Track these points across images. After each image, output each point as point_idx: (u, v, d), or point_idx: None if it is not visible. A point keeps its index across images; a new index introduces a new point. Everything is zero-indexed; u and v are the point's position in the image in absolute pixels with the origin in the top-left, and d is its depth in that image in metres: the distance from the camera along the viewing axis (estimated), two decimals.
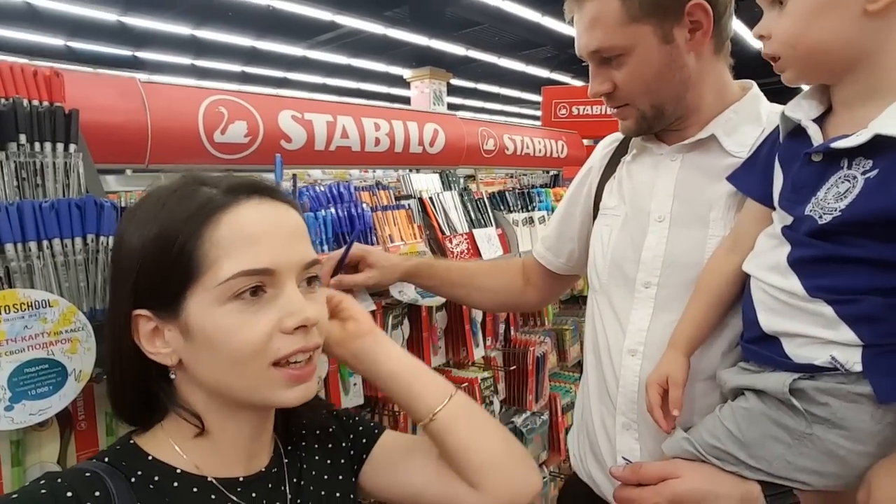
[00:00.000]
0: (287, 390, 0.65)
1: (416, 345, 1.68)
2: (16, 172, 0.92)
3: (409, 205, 1.71)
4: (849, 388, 0.74)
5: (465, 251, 1.82)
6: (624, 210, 1.07)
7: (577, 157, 2.88)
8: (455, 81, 13.24)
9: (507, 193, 2.09)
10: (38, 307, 0.81)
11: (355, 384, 1.45)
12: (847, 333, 0.73)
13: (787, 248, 0.79)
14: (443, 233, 1.79)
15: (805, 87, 0.85)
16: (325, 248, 1.37)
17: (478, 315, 1.84)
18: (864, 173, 0.70)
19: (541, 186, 2.54)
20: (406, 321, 1.62)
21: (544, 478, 2.10)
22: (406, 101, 13.62)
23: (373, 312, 1.47)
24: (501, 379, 2.00)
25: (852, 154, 0.72)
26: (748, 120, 0.98)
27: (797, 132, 0.81)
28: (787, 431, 0.77)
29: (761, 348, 0.82)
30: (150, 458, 0.66)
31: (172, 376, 0.67)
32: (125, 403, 0.70)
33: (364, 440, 0.84)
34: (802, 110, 0.80)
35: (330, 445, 0.82)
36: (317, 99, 1.63)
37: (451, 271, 1.36)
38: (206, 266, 0.61)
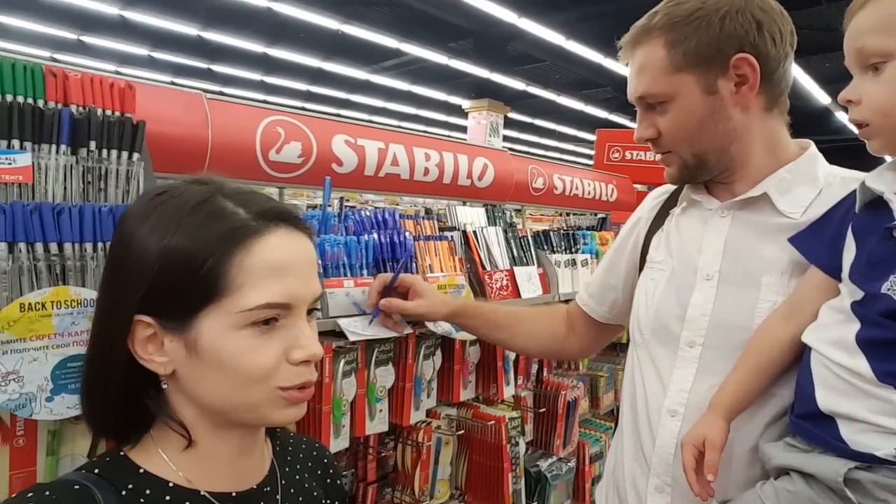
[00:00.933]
0: (284, 410, 0.66)
1: (446, 377, 1.67)
2: (83, 176, 0.97)
3: (452, 236, 1.71)
4: None
5: (505, 288, 1.81)
6: (671, 264, 1.05)
7: (626, 202, 2.84)
8: (512, 115, 13.35)
9: (551, 233, 2.08)
10: (86, 305, 0.85)
11: (381, 410, 1.45)
12: None
13: (857, 325, 0.76)
14: (483, 267, 1.79)
15: (889, 158, 0.82)
16: (365, 272, 1.39)
17: (511, 353, 1.82)
18: None
19: (587, 229, 2.52)
20: (439, 352, 1.61)
21: None
22: (463, 130, 13.81)
23: (405, 340, 1.48)
24: (530, 420, 1.96)
25: None
26: (804, 180, 0.96)
27: (876, 204, 0.79)
28: None
29: (814, 426, 0.79)
30: (141, 470, 0.65)
31: (164, 386, 0.66)
32: (106, 413, 0.67)
33: None
34: (885, 182, 0.78)
35: (318, 479, 0.83)
36: (371, 125, 1.67)
37: (497, 314, 1.36)
38: (230, 290, 0.61)
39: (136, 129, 1.03)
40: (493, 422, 1.70)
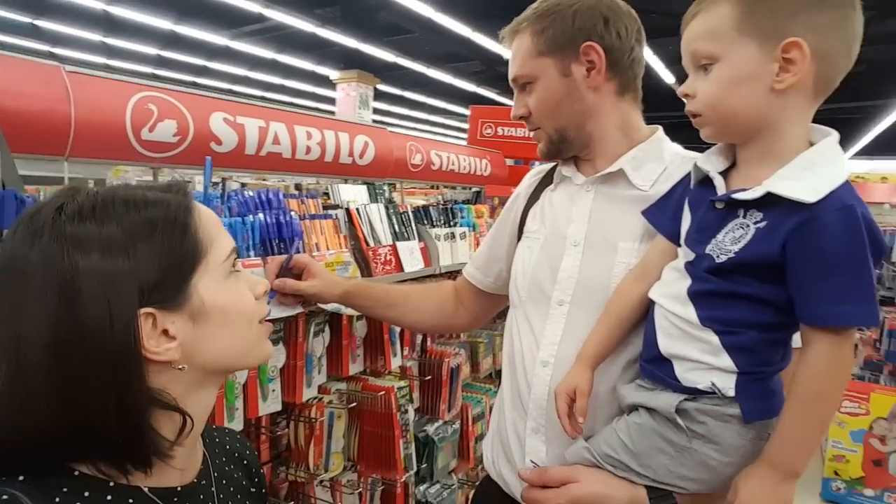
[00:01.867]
0: (267, 343, 0.75)
1: (335, 352, 1.71)
2: None
3: (336, 215, 1.73)
4: (722, 409, 0.87)
5: (388, 263, 1.87)
6: (544, 234, 1.18)
7: (499, 176, 3.00)
8: (382, 87, 13.24)
9: (431, 208, 2.16)
10: None
11: (273, 390, 1.46)
12: (726, 361, 0.86)
13: (689, 281, 0.90)
14: (367, 244, 1.83)
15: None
16: (252, 253, 1.38)
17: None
18: (755, 223, 0.83)
19: (463, 202, 2.63)
20: (327, 329, 1.64)
21: (453, 485, 2.18)
22: (331, 101, 13.45)
23: (295, 320, 1.49)
24: (416, 388, 2.06)
25: (748, 206, 0.84)
26: (652, 158, 1.12)
27: (706, 181, 0.93)
28: (671, 445, 0.89)
29: (656, 368, 0.94)
30: (76, 472, 0.61)
31: (182, 368, 0.64)
32: (109, 433, 0.60)
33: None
34: (711, 163, 0.92)
35: (244, 469, 0.84)
36: (251, 103, 1.63)
37: (388, 293, 1.43)
38: (206, 247, 0.66)
39: None
40: (382, 392, 1.77)
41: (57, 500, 0.58)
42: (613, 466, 0.94)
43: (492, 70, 12.68)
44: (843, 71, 0.85)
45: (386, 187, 2.25)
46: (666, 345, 0.92)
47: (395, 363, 1.87)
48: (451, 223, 2.23)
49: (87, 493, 0.60)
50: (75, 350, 0.58)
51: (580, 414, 0.97)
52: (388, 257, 1.86)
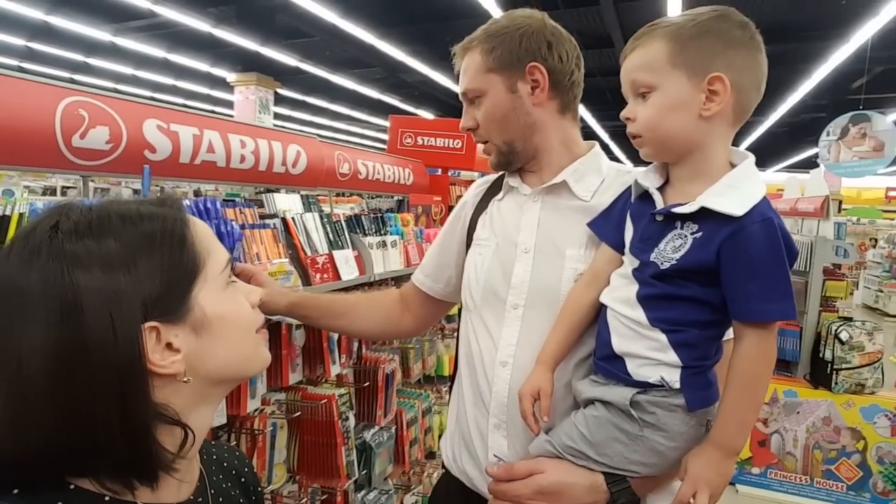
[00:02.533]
0: (264, 348, 0.77)
1: (275, 362, 1.68)
2: None
3: (274, 224, 1.72)
4: (669, 400, 0.98)
5: (326, 272, 1.87)
6: (495, 241, 1.25)
7: (421, 185, 3.07)
8: (283, 91, 12.89)
9: (362, 217, 2.18)
10: None
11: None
12: (672, 356, 0.97)
13: (636, 286, 1.01)
14: (305, 253, 1.82)
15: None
16: None
17: (335, 333, 1.89)
18: (692, 234, 0.95)
19: (388, 211, 2.67)
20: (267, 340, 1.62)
21: (389, 490, 2.20)
22: (229, 105, 12.91)
23: None
24: (352, 395, 2.07)
25: (684, 218, 0.96)
26: (592, 171, 1.22)
27: (645, 196, 1.05)
28: (625, 434, 0.99)
29: (610, 365, 1.03)
30: (71, 486, 0.61)
31: (187, 380, 0.65)
32: (115, 449, 0.60)
33: None
34: (650, 180, 1.04)
35: (241, 487, 0.84)
36: (185, 110, 1.58)
37: (334, 303, 1.44)
38: (203, 258, 0.67)
39: None
40: (324, 400, 1.77)
41: None
42: (574, 456, 1.02)
43: (394, 77, 12.76)
44: (754, 102, 0.99)
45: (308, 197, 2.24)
46: (619, 344, 1.02)
47: (335, 371, 1.87)
48: (382, 231, 2.26)
49: None
50: (79, 368, 0.57)
51: (544, 413, 1.04)
52: (325, 266, 1.86)
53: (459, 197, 3.53)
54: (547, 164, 1.24)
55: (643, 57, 0.99)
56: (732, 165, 0.99)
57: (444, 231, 1.45)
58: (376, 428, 2.13)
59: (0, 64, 12.59)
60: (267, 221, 1.71)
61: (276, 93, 12.11)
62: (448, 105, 14.76)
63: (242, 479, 0.85)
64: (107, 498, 0.62)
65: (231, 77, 11.65)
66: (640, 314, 0.99)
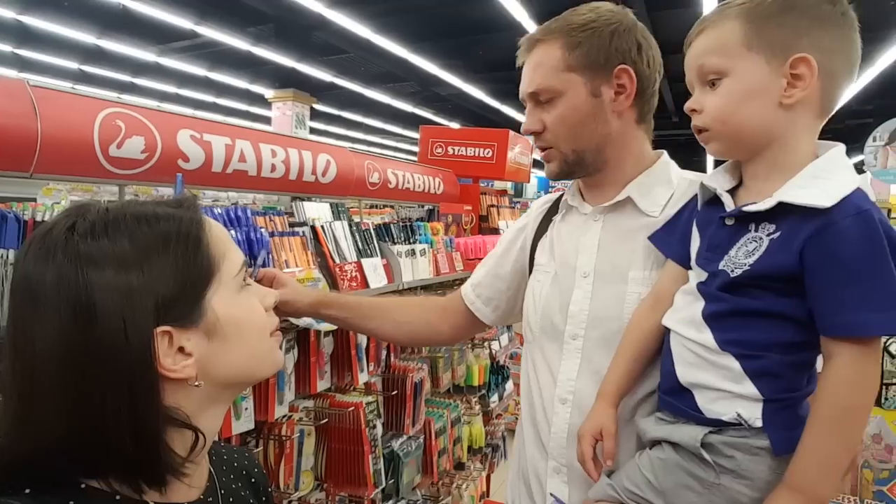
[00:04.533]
0: (278, 351, 0.75)
1: (303, 369, 1.70)
2: None
3: (303, 232, 1.74)
4: (750, 441, 0.82)
5: (354, 279, 1.88)
6: (554, 267, 1.14)
7: (451, 194, 3.07)
8: (319, 106, 13.15)
9: (391, 226, 2.19)
10: None
11: (246, 408, 1.44)
12: (750, 388, 0.82)
13: (702, 303, 0.87)
14: (333, 260, 1.84)
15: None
16: None
17: (363, 340, 1.90)
18: (768, 235, 0.81)
19: (418, 220, 2.68)
20: (295, 346, 1.64)
21: (417, 500, 2.19)
22: (267, 121, 13.23)
23: None
24: (380, 404, 2.07)
25: (759, 219, 0.83)
26: (660, 183, 1.09)
27: (713, 201, 0.92)
28: (698, 481, 0.84)
29: (676, 400, 0.89)
30: (82, 486, 0.60)
31: (199, 384, 0.64)
32: (130, 450, 0.59)
33: None
34: (718, 182, 0.91)
35: (251, 487, 0.82)
36: (216, 121, 1.62)
37: (362, 305, 1.36)
38: (218, 261, 0.66)
39: None
40: (352, 408, 1.77)
41: None
42: (637, 503, 0.89)
43: (428, 90, 12.88)
44: (844, 90, 0.86)
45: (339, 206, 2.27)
46: (684, 373, 0.88)
47: (363, 379, 1.88)
48: (412, 240, 2.26)
49: None
50: (91, 369, 0.57)
51: (608, 457, 0.93)
52: (353, 274, 1.87)
53: (491, 206, 3.55)
54: (612, 179, 1.11)
55: (713, 39, 0.86)
56: None
57: (500, 253, 1.34)
58: (404, 437, 2.12)
59: (56, 87, 13.23)
60: (296, 229, 1.73)
61: (311, 108, 12.36)
62: (481, 117, 14.81)
63: (252, 480, 0.83)
64: (118, 497, 0.61)
65: (269, 93, 11.94)
66: (707, 336, 0.85)
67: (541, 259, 1.20)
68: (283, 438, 1.58)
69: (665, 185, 1.09)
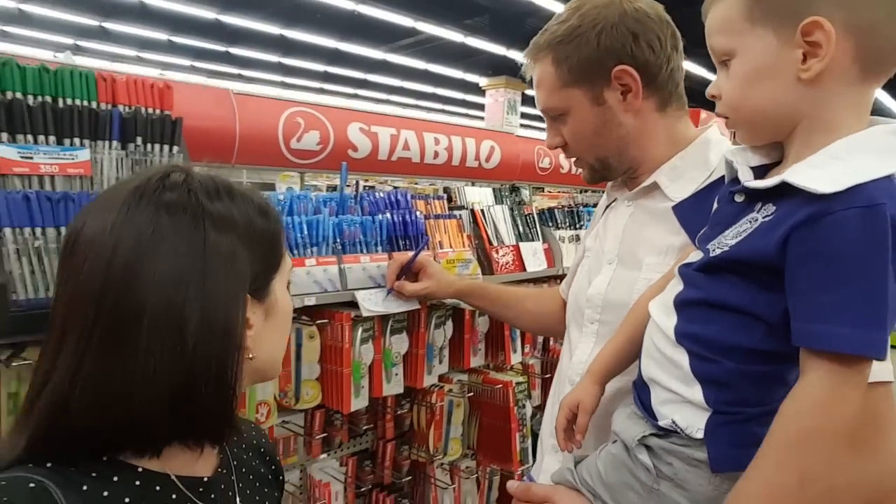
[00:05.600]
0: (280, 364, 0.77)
1: (457, 346, 1.81)
2: (132, 168, 1.12)
3: (460, 215, 1.84)
4: (689, 451, 0.75)
5: (511, 262, 1.93)
6: (594, 251, 1.16)
7: None
8: (530, 91, 13.29)
9: (556, 210, 2.19)
10: None
11: (396, 374, 1.60)
12: (697, 393, 0.74)
13: (681, 286, 0.80)
14: (490, 243, 1.92)
15: None
16: (379, 249, 1.53)
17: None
18: (764, 217, 0.70)
19: (593, 206, 2.62)
20: (450, 322, 1.75)
21: None
22: (479, 107, 13.80)
23: (418, 311, 1.62)
24: (538, 386, 2.10)
25: (766, 199, 0.72)
26: (695, 165, 1.02)
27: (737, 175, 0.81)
28: (639, 483, 0.79)
29: (639, 394, 0.84)
30: (104, 458, 0.59)
31: (251, 356, 0.65)
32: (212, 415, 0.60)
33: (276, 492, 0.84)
34: (742, 156, 0.80)
35: (260, 457, 0.83)
36: (384, 113, 1.80)
37: (501, 295, 1.45)
38: (282, 254, 0.71)
39: (175, 125, 1.18)
40: (500, 386, 1.84)
41: (85, 487, 0.56)
42: (592, 494, 0.85)
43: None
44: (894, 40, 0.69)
45: (529, 190, 2.31)
46: (646, 366, 0.83)
47: (515, 359, 1.93)
48: (577, 226, 2.23)
49: (115, 478, 0.58)
50: (193, 315, 0.58)
51: (579, 431, 0.91)
52: (510, 257, 1.92)
53: None
54: (646, 168, 1.07)
55: (717, 16, 0.77)
56: None
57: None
58: None
59: (306, 87, 15.53)
60: (454, 212, 1.84)
61: (523, 94, 12.55)
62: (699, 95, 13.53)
63: (262, 450, 0.84)
64: (140, 469, 0.60)
65: (483, 81, 12.44)
66: (670, 323, 0.78)
67: (587, 243, 1.22)
68: (433, 406, 1.71)
69: (700, 167, 1.01)
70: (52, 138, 1.03)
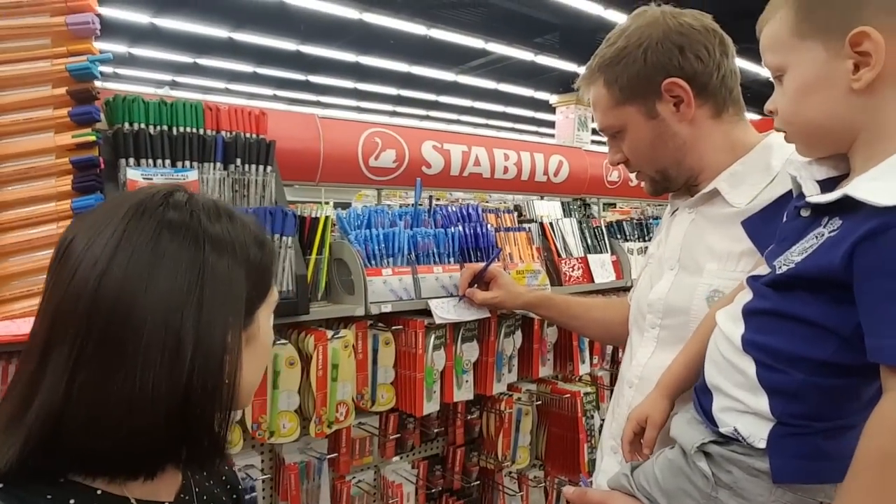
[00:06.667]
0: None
1: (526, 355, 1.85)
2: (232, 186, 1.26)
3: (529, 228, 1.90)
4: (750, 461, 0.74)
5: (579, 274, 1.96)
6: (657, 258, 1.17)
7: None
8: None
9: (624, 223, 2.20)
10: None
11: (467, 381, 1.66)
12: (763, 403, 0.74)
13: (750, 296, 0.81)
14: (559, 255, 1.96)
15: None
16: (451, 260, 1.61)
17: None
18: (830, 232, 0.70)
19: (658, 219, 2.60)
20: (519, 332, 1.80)
21: None
22: (549, 125, 13.78)
23: (488, 320, 1.68)
24: (606, 398, 2.10)
25: (832, 213, 0.71)
26: (756, 170, 1.02)
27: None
28: (697, 490, 0.78)
29: (701, 400, 0.84)
30: (61, 479, 0.57)
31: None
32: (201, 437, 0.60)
33: None
34: (807, 169, 0.80)
35: (221, 484, 0.81)
36: (455, 132, 1.89)
37: (570, 305, 1.50)
38: (269, 285, 0.70)
39: (269, 147, 1.31)
40: (568, 395, 1.86)
41: None
42: (648, 500, 0.85)
43: None
44: None
45: (600, 205, 2.34)
46: (710, 372, 0.82)
47: (583, 370, 1.95)
48: (646, 238, 2.23)
49: (72, 501, 0.57)
50: (187, 337, 0.57)
51: (647, 446, 0.91)
52: (578, 268, 1.95)
53: None
54: (707, 176, 1.08)
55: (768, 33, 0.79)
56: None
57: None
58: None
59: (379, 111, 16.09)
60: (523, 225, 1.90)
61: None
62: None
63: (223, 476, 0.82)
64: (98, 492, 0.59)
65: (553, 99, 12.44)
66: (737, 331, 0.78)
67: (651, 249, 1.25)
68: (502, 413, 1.76)
69: (762, 173, 1.01)
70: (167, 161, 1.18)
